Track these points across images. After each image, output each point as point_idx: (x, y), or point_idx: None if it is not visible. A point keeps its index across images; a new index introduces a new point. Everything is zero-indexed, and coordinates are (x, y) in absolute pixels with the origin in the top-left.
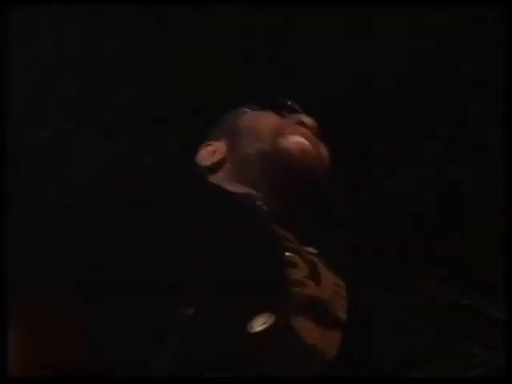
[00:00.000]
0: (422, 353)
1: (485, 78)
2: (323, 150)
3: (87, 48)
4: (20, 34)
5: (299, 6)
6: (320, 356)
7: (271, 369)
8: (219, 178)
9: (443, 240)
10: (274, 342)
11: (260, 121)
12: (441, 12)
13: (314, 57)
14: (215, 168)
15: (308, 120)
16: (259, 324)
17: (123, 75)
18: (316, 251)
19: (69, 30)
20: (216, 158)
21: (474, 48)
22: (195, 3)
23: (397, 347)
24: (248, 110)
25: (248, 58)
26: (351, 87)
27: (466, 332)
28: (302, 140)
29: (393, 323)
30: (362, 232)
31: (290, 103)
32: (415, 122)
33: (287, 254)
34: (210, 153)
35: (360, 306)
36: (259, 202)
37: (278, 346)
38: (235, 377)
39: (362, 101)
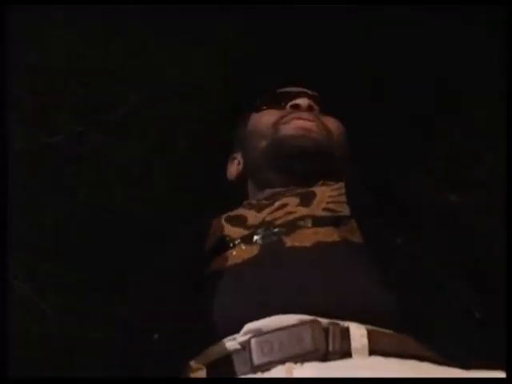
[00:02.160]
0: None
1: (485, 78)
2: (327, 122)
3: (93, 49)
4: (24, 35)
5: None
6: (331, 245)
7: (285, 290)
8: (246, 186)
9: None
10: (267, 269)
11: (260, 121)
12: (441, 12)
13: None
14: (240, 178)
15: (301, 101)
16: None
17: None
18: (320, 182)
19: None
20: (236, 168)
21: (474, 48)
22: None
23: None
24: (252, 113)
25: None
26: (352, 89)
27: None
28: (295, 123)
29: None
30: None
31: (285, 90)
32: (415, 123)
33: (278, 202)
34: (235, 166)
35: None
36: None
37: (275, 269)
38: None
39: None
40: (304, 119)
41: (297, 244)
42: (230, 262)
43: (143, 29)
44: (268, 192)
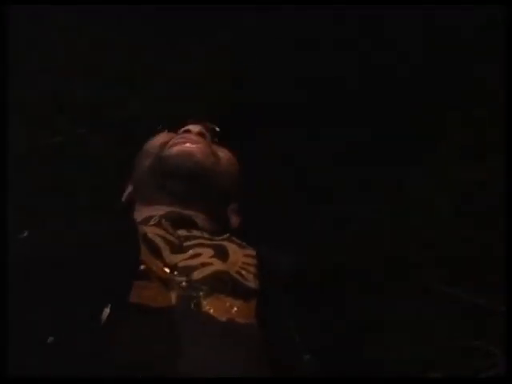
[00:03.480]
0: (437, 353)
1: (485, 77)
2: (218, 150)
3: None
4: (26, 37)
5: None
6: (241, 327)
7: (194, 356)
8: (136, 208)
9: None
10: (181, 327)
11: (151, 142)
12: (442, 12)
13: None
14: (129, 200)
15: (192, 127)
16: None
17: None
18: (227, 235)
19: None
20: (127, 190)
21: (474, 48)
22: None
23: (410, 347)
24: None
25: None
26: (361, 93)
27: (480, 331)
28: (182, 144)
29: (406, 323)
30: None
31: (192, 120)
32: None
33: (191, 250)
34: (127, 190)
35: (271, 270)
36: (154, 220)
37: (189, 331)
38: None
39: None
40: (191, 142)
41: (212, 313)
42: (147, 300)
43: (144, 31)
44: (165, 211)
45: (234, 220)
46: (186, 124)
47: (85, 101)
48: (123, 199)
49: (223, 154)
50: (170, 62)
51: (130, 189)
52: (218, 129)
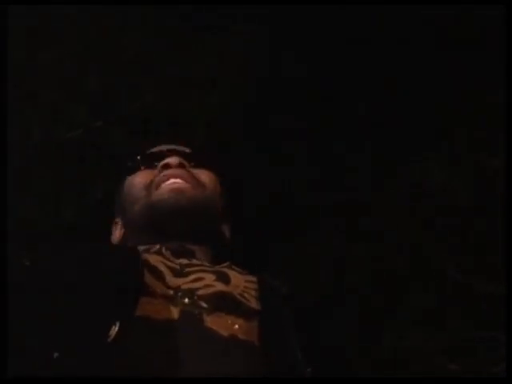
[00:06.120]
0: (453, 343)
1: (485, 77)
2: (201, 175)
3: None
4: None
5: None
6: (243, 343)
7: (196, 366)
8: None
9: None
10: (184, 339)
11: (133, 184)
12: (441, 12)
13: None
14: (122, 242)
15: (171, 160)
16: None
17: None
18: (227, 263)
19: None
20: (119, 232)
21: (474, 48)
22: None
23: (427, 339)
24: (127, 176)
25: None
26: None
27: (494, 321)
28: (168, 182)
29: (421, 313)
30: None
31: (155, 150)
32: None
33: (193, 275)
34: (118, 231)
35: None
36: (155, 248)
37: (192, 343)
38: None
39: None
40: (175, 177)
41: (215, 328)
42: (151, 313)
43: (157, 24)
44: (171, 248)
45: (227, 238)
46: (160, 155)
47: (101, 94)
48: (115, 241)
49: (204, 176)
50: (184, 53)
51: (121, 231)
52: (188, 150)
